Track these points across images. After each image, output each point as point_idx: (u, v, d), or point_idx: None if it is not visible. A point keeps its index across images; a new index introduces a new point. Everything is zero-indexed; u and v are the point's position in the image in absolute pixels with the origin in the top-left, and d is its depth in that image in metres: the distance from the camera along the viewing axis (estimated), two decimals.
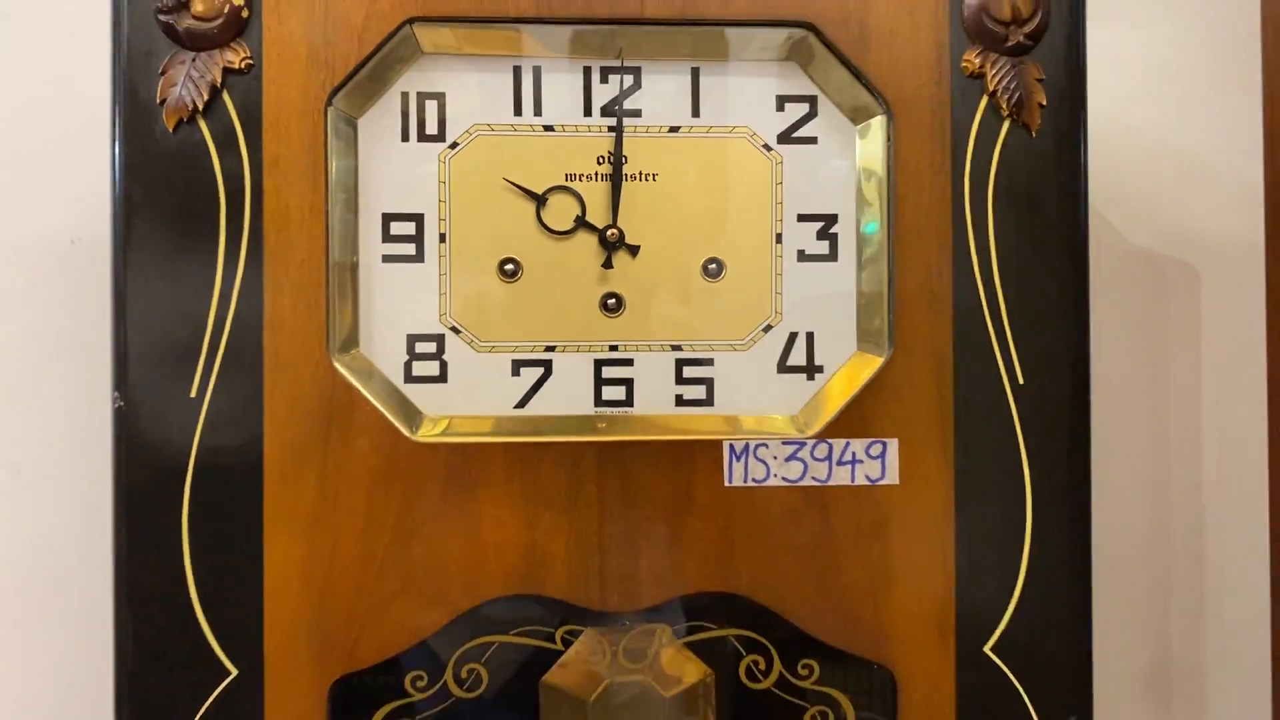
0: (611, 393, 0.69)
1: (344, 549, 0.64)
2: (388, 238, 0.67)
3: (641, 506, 0.66)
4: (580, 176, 0.68)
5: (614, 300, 0.69)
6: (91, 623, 0.85)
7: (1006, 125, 0.67)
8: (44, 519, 0.89)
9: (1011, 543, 0.67)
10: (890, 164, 0.67)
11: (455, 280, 0.68)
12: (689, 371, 0.69)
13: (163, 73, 0.64)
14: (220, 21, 0.64)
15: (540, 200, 0.68)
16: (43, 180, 0.89)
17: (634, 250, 0.68)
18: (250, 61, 0.64)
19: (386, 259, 0.67)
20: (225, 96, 0.64)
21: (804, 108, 0.69)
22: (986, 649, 0.67)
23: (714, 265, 0.69)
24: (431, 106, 0.68)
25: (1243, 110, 0.90)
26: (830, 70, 0.68)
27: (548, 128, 0.68)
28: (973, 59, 0.67)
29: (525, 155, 0.68)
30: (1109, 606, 0.92)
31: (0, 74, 0.89)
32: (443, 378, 0.68)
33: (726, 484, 0.66)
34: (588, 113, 0.69)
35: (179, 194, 0.63)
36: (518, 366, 0.68)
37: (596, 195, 0.68)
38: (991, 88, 0.67)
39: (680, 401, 0.69)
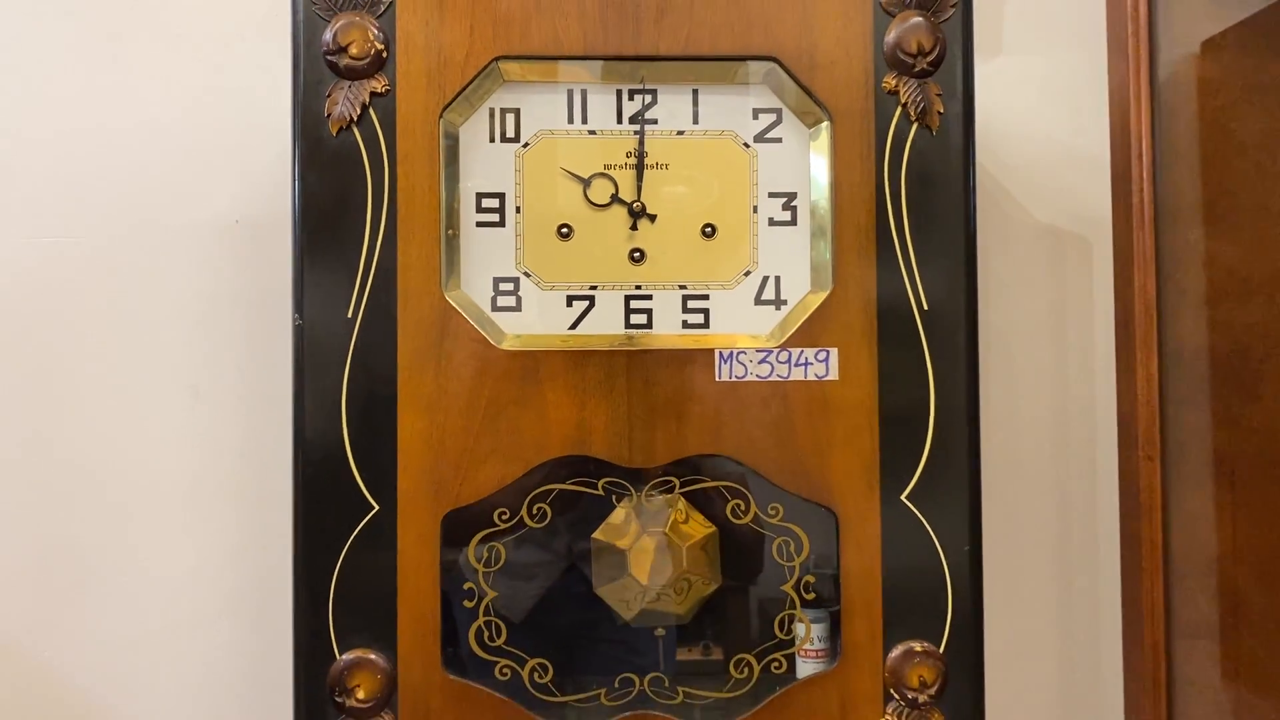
0: (636, 319, 0.97)
1: (451, 422, 0.93)
2: (479, 210, 0.97)
3: (657, 395, 0.94)
4: (614, 166, 0.97)
5: (638, 253, 0.97)
6: (265, 495, 1.15)
7: (914, 127, 0.95)
8: (219, 430, 1.19)
9: (919, 421, 0.94)
10: (832, 156, 0.95)
11: (526, 239, 0.97)
12: (691, 304, 0.97)
13: (329, 95, 0.93)
14: (368, 60, 0.93)
15: (586, 183, 0.97)
16: (212, 174, 1.20)
17: (652, 218, 0.97)
18: (388, 87, 0.93)
19: (479, 224, 0.96)
20: (371, 112, 0.93)
21: (772, 117, 0.98)
22: (903, 497, 0.95)
23: (709, 229, 0.98)
24: (510, 118, 0.97)
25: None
26: (790, 90, 0.96)
27: (591, 132, 0.97)
28: (890, 81, 0.95)
29: (575, 151, 0.97)
30: (1004, 471, 1.19)
31: (181, 86, 1.19)
32: (518, 307, 0.96)
33: (716, 380, 0.94)
34: (619, 121, 0.97)
35: (341, 179, 0.93)
36: (570, 300, 0.97)
37: (625, 179, 0.97)
38: (903, 101, 0.95)
39: (685, 325, 0.97)
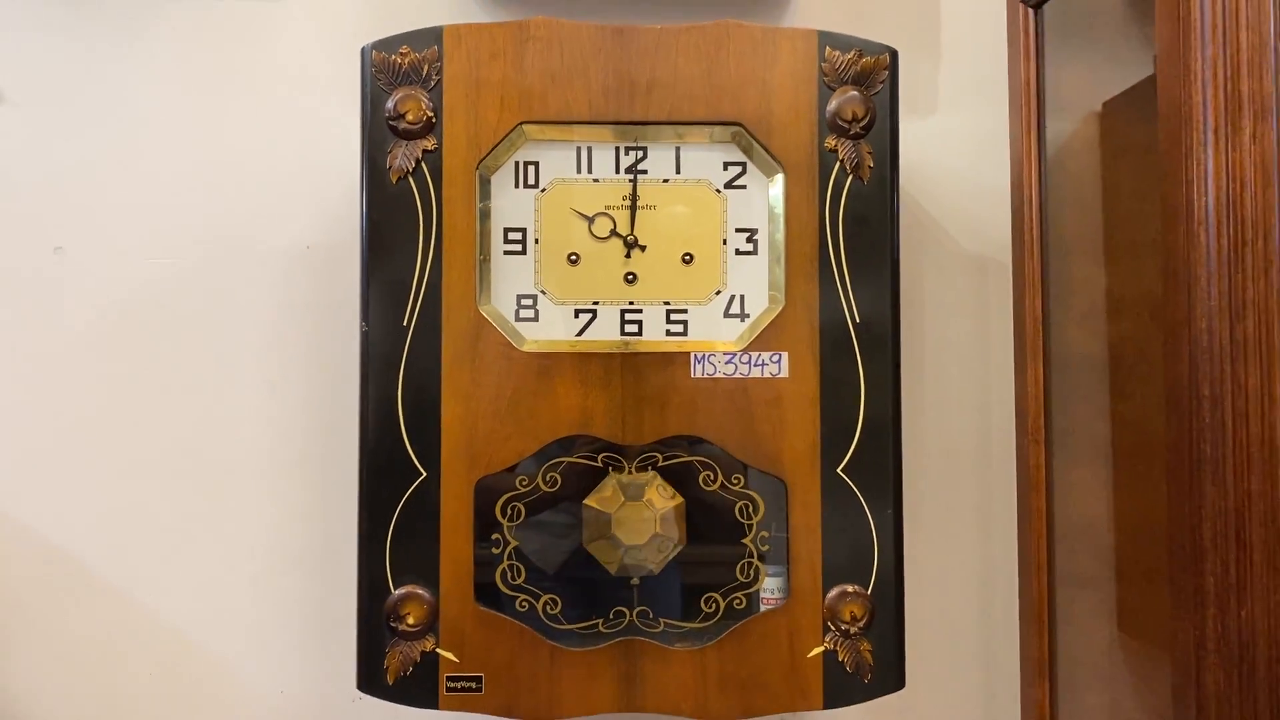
0: (630, 328, 1.21)
1: (483, 408, 1.18)
2: (506, 241, 1.21)
3: (645, 388, 1.18)
4: (613, 207, 1.21)
5: (631, 276, 1.22)
6: (327, 470, 1.40)
7: (850, 178, 1.20)
8: (290, 417, 1.44)
9: (852, 411, 1.19)
10: (785, 200, 1.20)
11: (543, 265, 1.22)
12: (673, 317, 1.22)
13: (390, 152, 1.19)
14: (421, 125, 1.18)
15: (590, 220, 1.22)
16: (289, 208, 1.44)
17: (643, 248, 1.22)
18: (436, 146, 1.19)
19: (506, 253, 1.21)
20: (423, 165, 1.19)
21: (739, 169, 1.22)
22: (839, 470, 1.19)
23: (688, 257, 1.22)
24: (531, 168, 1.22)
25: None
26: (752, 148, 1.21)
27: (595, 180, 1.22)
28: (831, 141, 1.20)
29: (582, 195, 1.22)
30: (935, 452, 1.44)
31: (265, 136, 1.43)
32: (535, 318, 1.21)
33: (692, 376, 1.19)
34: (617, 171, 1.22)
35: (399, 217, 1.18)
36: (577, 312, 1.21)
37: (622, 217, 1.22)
38: (841, 157, 1.20)
39: (668, 333, 1.21)
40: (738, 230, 1.22)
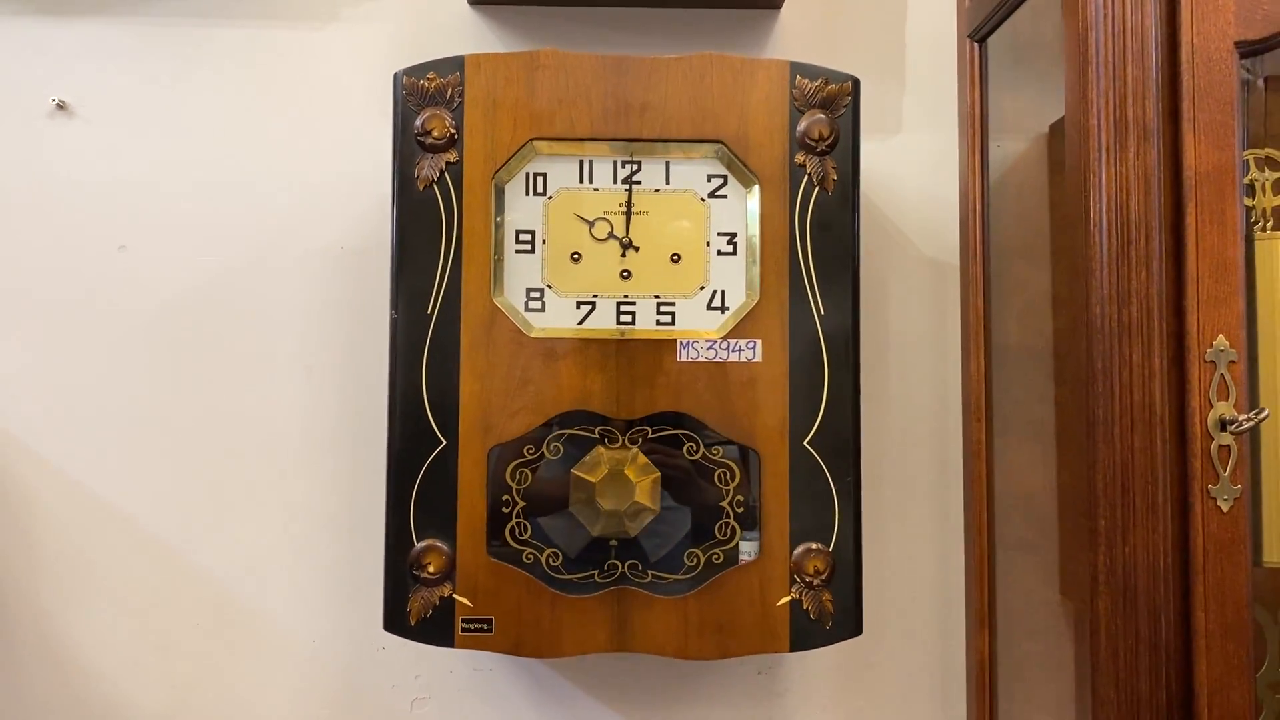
0: (624, 318, 1.38)
1: (496, 385, 1.35)
2: (517, 241, 1.39)
3: (638, 369, 1.36)
4: (610, 212, 1.38)
5: (626, 273, 1.39)
6: (357, 445, 1.57)
7: (816, 189, 1.37)
8: (325, 397, 1.62)
9: (816, 391, 1.35)
10: (761, 208, 1.37)
11: (549, 262, 1.39)
12: (663, 309, 1.39)
13: (417, 163, 1.37)
14: (445, 140, 1.37)
15: (590, 224, 1.39)
16: (324, 214, 1.62)
17: (637, 249, 1.39)
18: (458, 159, 1.37)
19: (517, 251, 1.38)
20: (446, 175, 1.37)
21: (720, 180, 1.40)
22: (805, 443, 1.36)
23: (676, 257, 1.40)
24: (540, 179, 1.39)
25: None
26: (733, 163, 1.39)
27: (595, 189, 1.40)
28: (800, 158, 1.37)
29: (584, 202, 1.40)
30: (897, 432, 1.61)
31: (302, 150, 1.60)
32: (543, 309, 1.39)
33: (678, 360, 1.36)
34: (614, 181, 1.40)
35: (425, 220, 1.36)
36: (578, 304, 1.39)
37: (618, 222, 1.39)
38: (809, 171, 1.37)
39: (658, 323, 1.39)
40: (719, 234, 1.39)
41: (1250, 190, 1.28)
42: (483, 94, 1.36)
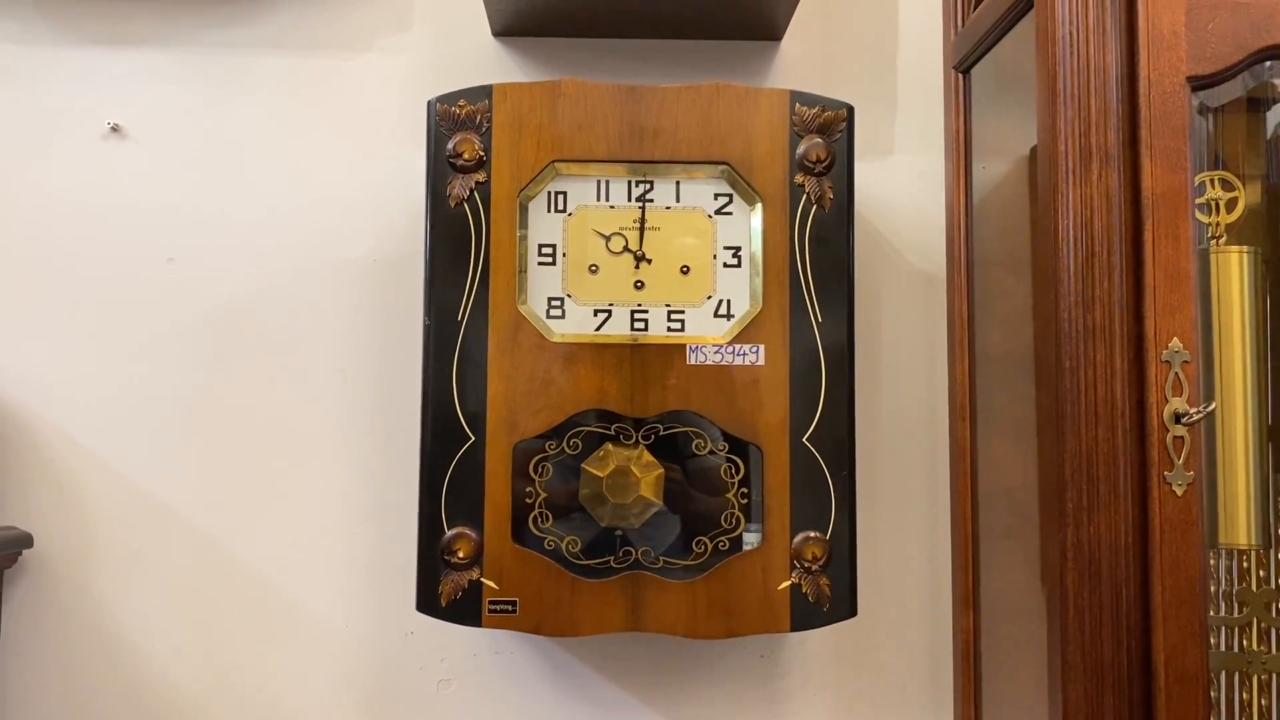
0: (638, 325, 1.50)
1: (520, 386, 1.47)
2: (540, 254, 1.50)
3: (650, 371, 1.48)
4: (625, 228, 1.50)
5: (640, 284, 1.51)
6: (390, 442, 1.69)
7: (814, 207, 1.50)
8: (360, 398, 1.73)
9: (815, 392, 1.47)
10: (763, 224, 1.50)
11: (569, 273, 1.51)
12: (673, 316, 1.51)
13: (449, 182, 1.49)
14: (474, 162, 1.49)
15: (607, 238, 1.52)
16: (359, 229, 1.74)
17: (649, 261, 1.51)
18: (486, 179, 1.49)
19: (539, 264, 1.50)
20: (475, 194, 1.49)
21: (726, 199, 1.52)
22: (804, 440, 1.48)
23: (685, 269, 1.52)
24: (560, 197, 1.52)
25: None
26: (737, 182, 1.51)
27: (611, 206, 1.52)
28: (799, 178, 1.50)
29: (601, 218, 1.51)
30: (891, 431, 1.73)
31: (342, 170, 1.73)
32: (563, 316, 1.50)
33: (688, 363, 1.48)
34: (629, 200, 1.52)
35: (456, 234, 1.48)
36: (596, 312, 1.50)
37: (633, 236, 1.52)
38: (808, 190, 1.50)
39: (669, 329, 1.51)
40: (725, 248, 1.50)
41: (1209, 208, 1.41)
42: (509, 119, 1.48)
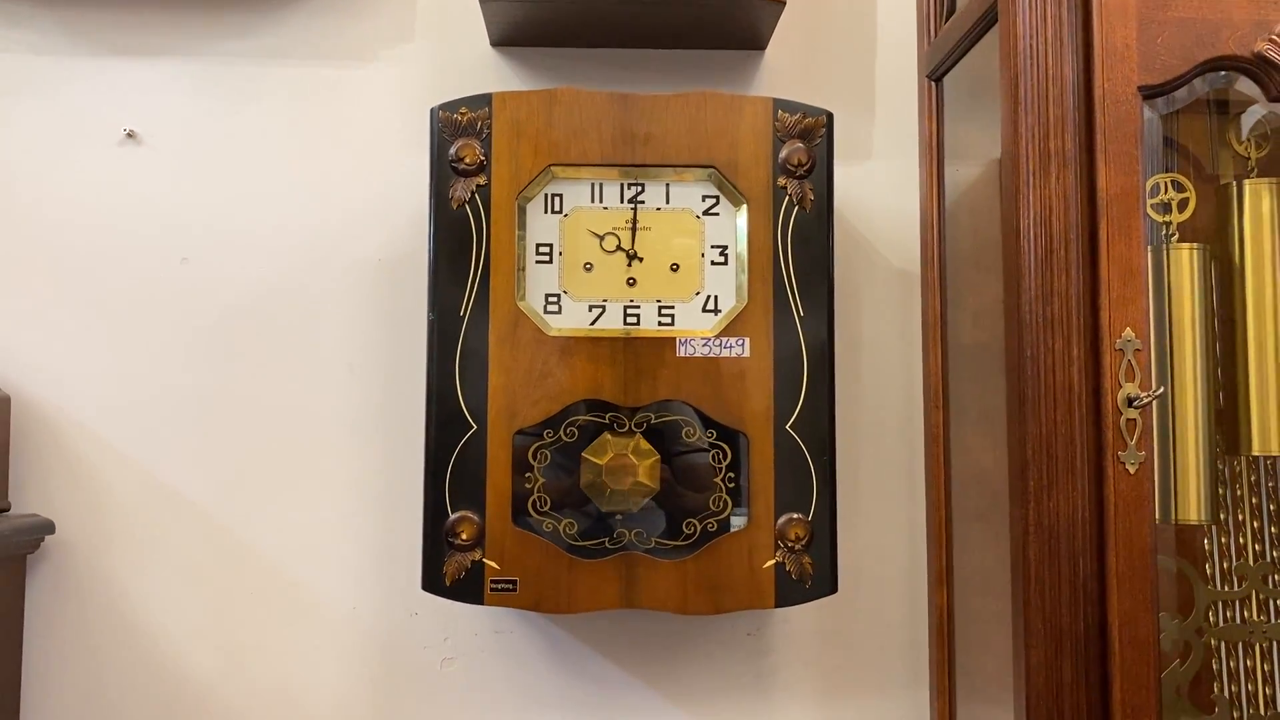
0: (630, 319, 1.59)
1: (519, 378, 1.56)
2: (537, 253, 1.59)
3: (642, 363, 1.57)
4: (618, 228, 1.59)
5: (632, 281, 1.60)
6: (396, 433, 1.77)
7: (796, 208, 1.59)
8: (367, 392, 1.82)
9: (796, 381, 1.57)
10: (748, 224, 1.59)
11: (565, 271, 1.60)
12: (664, 311, 1.60)
13: (452, 185, 1.58)
14: (475, 166, 1.58)
15: (601, 238, 1.61)
16: (366, 231, 1.83)
17: (641, 260, 1.60)
18: (487, 182, 1.58)
19: (537, 262, 1.59)
20: (476, 196, 1.58)
21: (714, 200, 1.61)
22: (787, 427, 1.57)
23: (675, 266, 1.61)
24: (557, 199, 1.60)
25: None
26: (724, 185, 1.60)
27: (605, 208, 1.60)
28: (782, 180, 1.59)
29: (595, 219, 1.60)
30: (871, 421, 1.82)
31: (349, 175, 1.82)
32: (560, 312, 1.59)
33: (678, 355, 1.57)
34: (621, 201, 1.60)
35: (458, 234, 1.57)
36: (590, 308, 1.59)
37: (625, 236, 1.61)
38: (790, 192, 1.59)
39: (659, 324, 1.60)
40: (713, 247, 1.58)
41: (1165, 208, 1.50)
42: (508, 126, 1.57)
